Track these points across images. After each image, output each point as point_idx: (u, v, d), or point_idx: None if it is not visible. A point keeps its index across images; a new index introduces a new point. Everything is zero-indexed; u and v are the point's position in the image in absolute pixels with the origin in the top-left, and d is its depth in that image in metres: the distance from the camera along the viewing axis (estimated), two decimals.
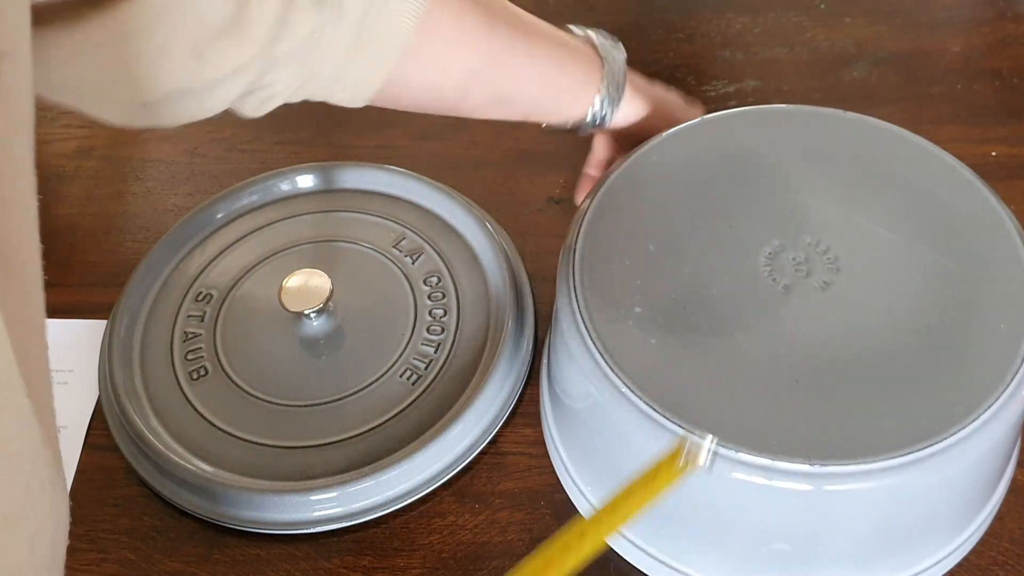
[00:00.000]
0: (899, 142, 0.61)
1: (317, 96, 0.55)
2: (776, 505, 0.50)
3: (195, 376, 0.68)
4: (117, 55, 0.45)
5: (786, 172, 0.60)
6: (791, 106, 0.63)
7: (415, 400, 0.65)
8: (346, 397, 0.66)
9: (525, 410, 0.66)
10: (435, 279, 0.71)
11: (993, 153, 0.78)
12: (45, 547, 0.30)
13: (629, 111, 0.65)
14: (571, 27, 0.64)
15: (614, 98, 0.63)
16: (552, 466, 0.62)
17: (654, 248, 0.57)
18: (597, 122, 0.64)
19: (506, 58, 0.59)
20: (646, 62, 0.84)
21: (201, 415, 0.66)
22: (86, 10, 0.43)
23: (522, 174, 0.79)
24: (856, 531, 0.52)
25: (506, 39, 0.58)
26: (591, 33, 0.64)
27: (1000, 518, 0.58)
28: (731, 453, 0.49)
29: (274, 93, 0.52)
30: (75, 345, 0.71)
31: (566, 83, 0.62)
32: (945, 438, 0.49)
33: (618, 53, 0.63)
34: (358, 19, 0.51)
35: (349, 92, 0.55)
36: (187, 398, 0.67)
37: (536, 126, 0.66)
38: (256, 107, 0.53)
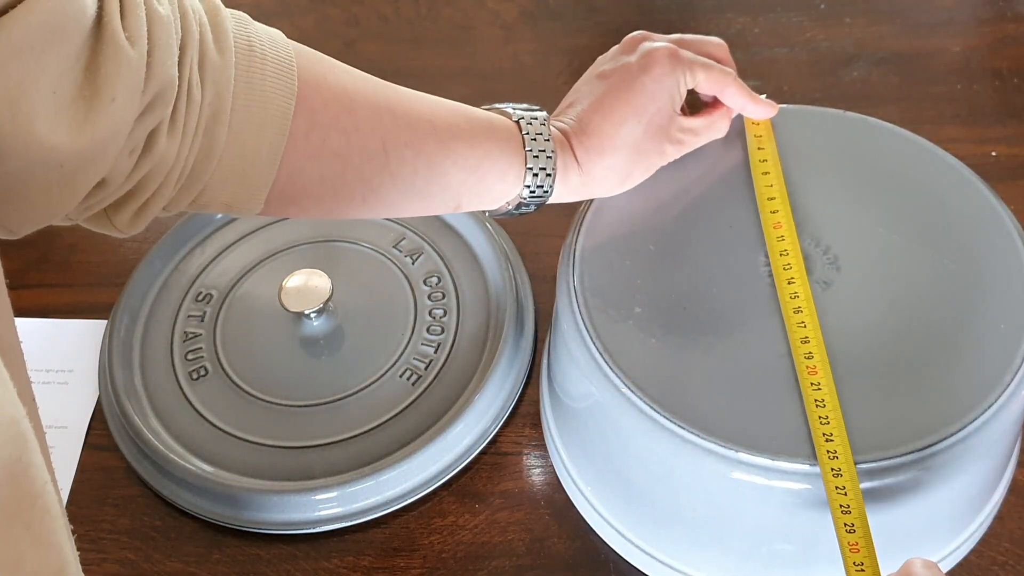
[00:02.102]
0: (899, 142, 0.61)
1: (203, 199, 0.50)
2: (776, 505, 0.50)
3: (195, 376, 0.68)
4: None
5: (786, 172, 0.60)
6: (791, 106, 0.63)
7: (415, 400, 0.65)
8: (346, 397, 0.66)
9: (525, 410, 0.66)
10: (435, 279, 0.71)
11: (993, 153, 0.78)
12: None
13: (595, 170, 0.57)
14: (497, 105, 0.58)
15: (547, 166, 0.56)
16: (552, 466, 0.62)
17: (654, 248, 0.57)
18: (536, 193, 0.57)
19: (409, 141, 0.53)
20: None
21: (201, 415, 0.66)
22: None
23: None
24: None
25: (404, 121, 0.53)
26: (508, 107, 0.58)
27: (1000, 518, 0.58)
28: (731, 453, 0.49)
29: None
30: (75, 345, 0.71)
31: (488, 163, 0.55)
32: (945, 438, 0.49)
33: (539, 117, 0.57)
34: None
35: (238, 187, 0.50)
36: (187, 398, 0.67)
37: None
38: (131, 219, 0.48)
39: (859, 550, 0.46)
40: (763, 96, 0.61)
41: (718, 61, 0.60)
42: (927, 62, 0.85)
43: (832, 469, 0.48)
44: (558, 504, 0.62)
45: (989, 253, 0.56)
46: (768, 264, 0.56)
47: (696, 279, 0.56)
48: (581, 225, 0.59)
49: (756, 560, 0.53)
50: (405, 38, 0.91)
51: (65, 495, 0.64)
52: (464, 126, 0.55)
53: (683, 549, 0.55)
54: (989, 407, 0.50)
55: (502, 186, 0.56)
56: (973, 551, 0.57)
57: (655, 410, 0.50)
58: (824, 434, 0.49)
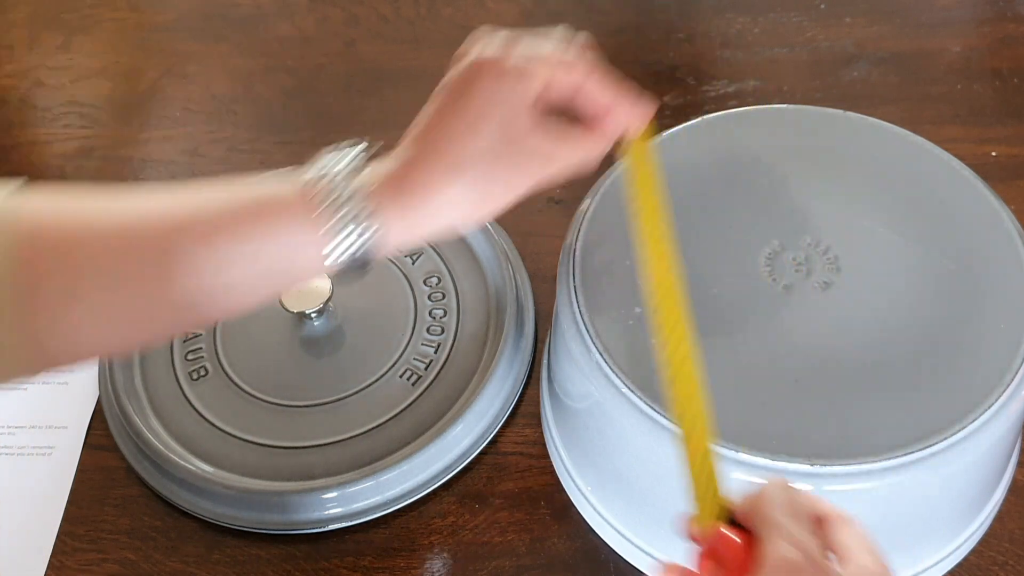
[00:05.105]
0: (899, 142, 0.61)
1: None
2: None
3: (195, 376, 0.68)
4: None
5: (786, 172, 0.60)
6: (791, 106, 0.63)
7: (415, 400, 0.65)
8: (346, 397, 0.66)
9: (525, 410, 0.66)
10: (435, 279, 0.71)
11: (993, 153, 0.78)
12: None
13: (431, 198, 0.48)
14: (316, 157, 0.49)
15: (356, 221, 0.46)
16: (552, 466, 0.62)
17: None
18: (355, 252, 0.47)
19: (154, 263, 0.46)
20: (646, 62, 0.84)
21: (201, 415, 0.66)
22: None
23: None
24: None
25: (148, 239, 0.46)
26: (319, 160, 0.49)
27: (1000, 518, 0.58)
28: (731, 453, 0.49)
29: None
30: None
31: (269, 246, 0.46)
32: (945, 438, 0.49)
33: (341, 167, 0.48)
34: None
35: None
36: (187, 398, 0.67)
37: None
38: None
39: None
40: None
41: (564, 61, 0.52)
42: (927, 62, 0.85)
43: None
44: (558, 504, 0.62)
45: (989, 253, 0.55)
46: (768, 264, 0.56)
47: (696, 279, 0.56)
48: (581, 225, 0.59)
49: None
50: (405, 38, 0.91)
51: (65, 495, 0.64)
52: (221, 220, 0.47)
53: (684, 549, 0.55)
54: (989, 407, 0.50)
55: (304, 261, 0.48)
56: (973, 551, 0.57)
57: (655, 410, 0.50)
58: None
